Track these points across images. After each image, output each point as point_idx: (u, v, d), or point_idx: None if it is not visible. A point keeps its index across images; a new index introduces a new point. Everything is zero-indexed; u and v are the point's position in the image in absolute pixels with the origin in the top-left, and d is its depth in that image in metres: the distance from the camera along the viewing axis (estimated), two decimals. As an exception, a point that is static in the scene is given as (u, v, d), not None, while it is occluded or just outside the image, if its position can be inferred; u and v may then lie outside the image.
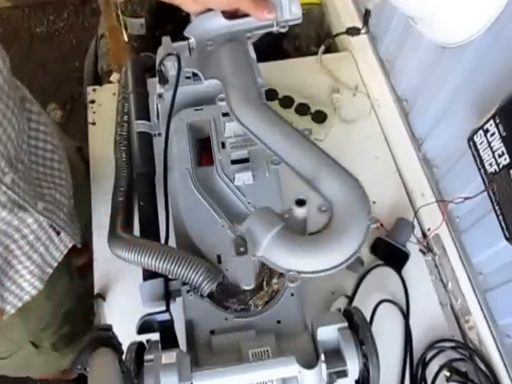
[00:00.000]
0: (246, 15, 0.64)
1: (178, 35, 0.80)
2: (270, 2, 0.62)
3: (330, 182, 0.51)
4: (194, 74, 0.80)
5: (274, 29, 0.65)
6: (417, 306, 0.82)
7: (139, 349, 0.54)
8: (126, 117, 0.83)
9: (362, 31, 0.87)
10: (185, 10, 0.61)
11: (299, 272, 0.49)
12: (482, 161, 0.61)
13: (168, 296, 0.64)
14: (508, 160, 0.56)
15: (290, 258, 0.49)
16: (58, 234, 0.79)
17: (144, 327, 0.63)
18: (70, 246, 0.83)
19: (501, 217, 0.59)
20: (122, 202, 0.75)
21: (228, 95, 0.60)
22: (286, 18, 0.65)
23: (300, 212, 0.50)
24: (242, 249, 0.53)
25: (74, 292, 0.97)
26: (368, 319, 0.70)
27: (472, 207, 0.73)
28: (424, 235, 0.88)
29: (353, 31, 0.88)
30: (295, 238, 0.50)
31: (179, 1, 0.60)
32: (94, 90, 1.05)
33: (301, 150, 0.53)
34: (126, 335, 0.56)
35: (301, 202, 0.51)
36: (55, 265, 0.82)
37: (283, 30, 0.64)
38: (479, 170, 0.62)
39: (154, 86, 0.80)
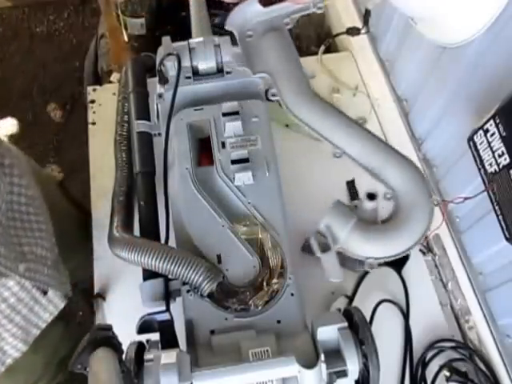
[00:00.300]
0: (281, 0, 0.63)
1: (178, 35, 0.81)
2: None
3: (393, 171, 0.53)
4: (194, 74, 0.80)
5: (311, 10, 0.64)
6: (417, 306, 0.82)
7: (139, 349, 0.54)
8: (126, 117, 0.83)
9: (362, 31, 0.87)
10: None
11: (376, 258, 0.53)
12: (482, 161, 0.61)
13: (168, 296, 0.64)
14: (508, 160, 0.56)
15: (366, 246, 0.53)
16: (45, 293, 0.75)
17: (144, 327, 0.63)
18: (61, 306, 0.79)
19: (501, 217, 0.59)
20: (122, 201, 0.75)
21: (280, 90, 0.60)
22: None
23: (370, 205, 0.53)
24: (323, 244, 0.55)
25: (71, 337, 0.91)
26: (368, 319, 0.70)
27: (472, 207, 0.73)
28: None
29: (353, 31, 0.88)
30: (369, 229, 0.53)
31: None
32: (94, 90, 1.05)
33: (361, 141, 0.54)
34: (126, 335, 0.56)
35: (371, 196, 0.55)
36: (43, 326, 0.78)
37: (320, 11, 0.63)
38: (479, 170, 0.62)
39: (154, 85, 0.80)
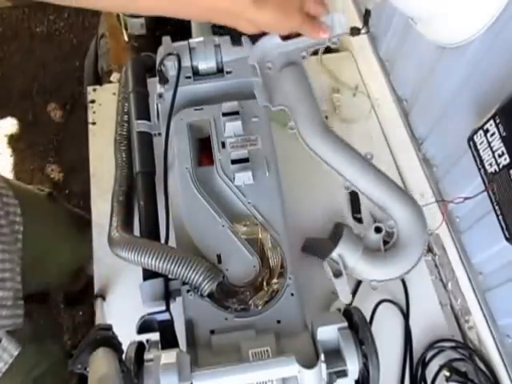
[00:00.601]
0: (299, 35, 0.67)
1: (178, 35, 0.81)
2: (323, 22, 0.64)
3: (396, 207, 0.61)
4: (194, 74, 0.80)
5: (326, 44, 0.68)
6: (417, 306, 0.82)
7: (139, 348, 0.54)
8: (126, 116, 0.83)
9: (362, 31, 0.87)
10: (240, 30, 0.60)
11: (379, 281, 0.62)
12: (482, 161, 0.61)
13: (168, 296, 0.64)
14: (508, 160, 0.56)
15: (372, 271, 0.62)
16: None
17: (144, 327, 0.63)
18: (15, 353, 0.75)
19: (501, 217, 0.59)
20: (122, 201, 0.75)
21: (297, 125, 0.65)
22: (337, 33, 0.68)
23: (377, 236, 0.63)
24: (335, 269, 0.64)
25: (49, 353, 0.88)
26: (368, 319, 0.70)
27: (472, 207, 0.73)
28: (424, 235, 0.88)
29: (353, 31, 0.88)
30: (374, 256, 0.62)
31: (235, 24, 0.59)
32: (94, 90, 1.05)
33: (368, 176, 0.62)
34: (126, 335, 0.56)
35: (378, 230, 0.63)
36: None
37: (335, 46, 0.67)
38: (479, 170, 0.62)
39: (154, 85, 0.81)
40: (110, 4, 0.56)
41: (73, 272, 1.05)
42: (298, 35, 0.68)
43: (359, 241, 0.63)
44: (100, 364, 0.49)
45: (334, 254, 0.62)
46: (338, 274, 0.62)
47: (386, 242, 0.66)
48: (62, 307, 1.39)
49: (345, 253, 0.62)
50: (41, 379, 0.84)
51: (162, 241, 0.67)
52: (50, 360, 0.88)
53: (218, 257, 0.65)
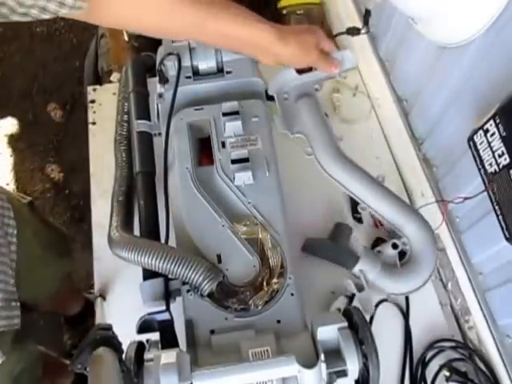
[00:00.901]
0: (311, 69, 0.76)
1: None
2: (335, 58, 0.73)
3: (409, 227, 0.67)
4: (195, 74, 0.80)
5: (336, 77, 0.76)
6: (417, 305, 0.82)
7: (139, 348, 0.54)
8: (126, 116, 0.83)
9: (362, 31, 0.87)
10: (263, 62, 0.69)
11: (396, 294, 0.68)
12: (482, 161, 0.61)
13: (168, 295, 0.64)
14: (508, 160, 0.56)
15: (389, 285, 0.67)
16: None
17: (144, 327, 0.63)
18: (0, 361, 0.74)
19: (501, 217, 0.59)
20: (122, 201, 0.75)
21: (314, 151, 0.71)
22: (346, 68, 0.75)
23: (393, 252, 0.68)
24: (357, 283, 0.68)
25: (30, 353, 0.88)
26: (368, 319, 0.70)
27: (472, 207, 0.73)
28: (424, 235, 0.88)
29: (353, 31, 0.88)
30: (392, 272, 0.68)
31: (260, 56, 0.68)
32: (95, 90, 1.05)
33: (381, 199, 0.68)
34: (126, 335, 0.56)
35: (395, 246, 0.69)
36: None
37: (343, 78, 0.77)
38: (479, 170, 0.62)
39: (154, 85, 0.81)
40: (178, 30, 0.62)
41: (55, 284, 1.04)
42: (311, 69, 0.76)
43: (377, 257, 0.69)
44: (100, 364, 0.50)
45: (356, 270, 0.67)
46: (360, 289, 0.67)
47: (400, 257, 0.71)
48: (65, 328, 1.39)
49: (366, 268, 0.67)
50: (20, 377, 0.85)
51: (162, 241, 0.67)
52: (30, 359, 0.88)
53: (218, 257, 0.65)
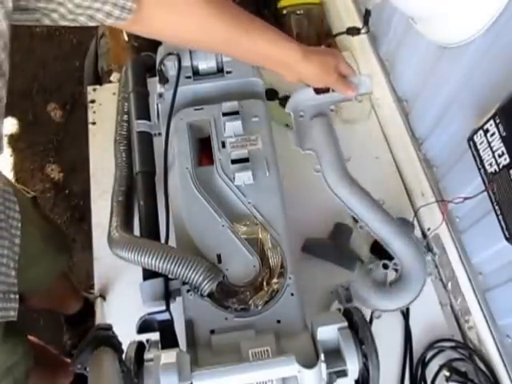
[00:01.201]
0: (328, 90, 0.78)
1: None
2: (352, 82, 0.76)
3: (400, 247, 0.70)
4: (195, 74, 0.80)
5: (353, 100, 0.78)
6: (417, 306, 0.81)
7: (139, 348, 0.54)
8: (126, 116, 0.83)
9: (362, 31, 0.87)
10: (285, 79, 0.71)
11: (386, 310, 0.70)
12: (482, 161, 0.61)
13: (168, 295, 0.64)
14: (508, 160, 0.56)
15: (382, 302, 0.70)
16: None
17: (144, 327, 0.63)
18: None
19: (501, 217, 0.59)
20: (122, 201, 0.75)
21: (322, 170, 0.73)
22: (362, 92, 0.77)
23: (384, 271, 0.71)
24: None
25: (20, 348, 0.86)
26: (368, 319, 0.70)
27: (472, 207, 0.73)
28: (424, 235, 0.88)
29: (353, 31, 0.88)
30: (382, 290, 0.71)
31: (284, 72, 0.70)
32: (95, 90, 1.05)
33: (379, 220, 0.71)
34: (126, 335, 0.56)
35: (386, 266, 0.71)
36: None
37: (359, 102, 0.78)
38: (479, 170, 0.62)
39: (154, 85, 0.81)
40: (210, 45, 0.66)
41: (46, 281, 1.04)
42: (328, 91, 0.79)
43: (369, 277, 0.72)
44: (100, 364, 0.50)
45: (352, 290, 0.70)
46: (348, 300, 0.70)
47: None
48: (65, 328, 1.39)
49: (358, 290, 0.70)
50: (13, 368, 0.83)
51: (162, 241, 0.67)
52: (23, 351, 0.88)
53: (218, 257, 0.65)
